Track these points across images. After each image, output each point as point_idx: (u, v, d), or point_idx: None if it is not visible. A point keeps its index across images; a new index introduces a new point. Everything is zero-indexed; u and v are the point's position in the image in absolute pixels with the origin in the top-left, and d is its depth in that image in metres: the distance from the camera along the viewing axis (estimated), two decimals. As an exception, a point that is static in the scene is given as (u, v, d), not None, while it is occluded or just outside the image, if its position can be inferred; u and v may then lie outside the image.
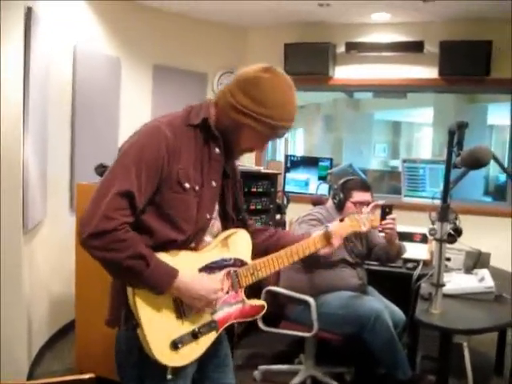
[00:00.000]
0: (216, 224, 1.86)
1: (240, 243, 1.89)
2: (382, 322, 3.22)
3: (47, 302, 4.12)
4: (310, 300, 3.33)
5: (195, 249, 1.75)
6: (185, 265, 1.68)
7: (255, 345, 4.30)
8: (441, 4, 4.55)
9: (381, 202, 3.31)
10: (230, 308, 1.84)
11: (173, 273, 1.63)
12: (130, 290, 1.63)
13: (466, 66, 4.91)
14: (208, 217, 1.77)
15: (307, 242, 1.99)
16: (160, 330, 1.65)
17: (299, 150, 10.69)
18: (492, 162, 2.51)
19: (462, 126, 2.35)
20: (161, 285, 1.61)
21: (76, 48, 4.37)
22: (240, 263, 1.85)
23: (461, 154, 2.37)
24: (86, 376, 1.68)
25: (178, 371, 1.71)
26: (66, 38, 4.28)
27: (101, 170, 3.47)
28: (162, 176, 1.65)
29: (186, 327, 1.70)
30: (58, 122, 4.22)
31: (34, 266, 3.70)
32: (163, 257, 1.65)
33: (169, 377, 1.69)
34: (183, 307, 1.69)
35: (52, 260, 4.10)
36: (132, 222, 1.61)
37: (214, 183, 1.78)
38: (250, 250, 1.91)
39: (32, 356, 3.73)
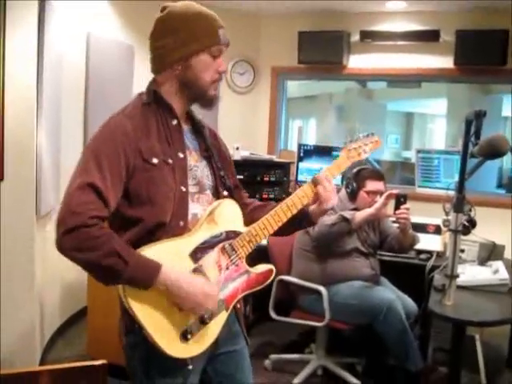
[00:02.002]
0: (205, 198, 1.77)
1: (228, 214, 1.77)
2: (394, 312, 3.21)
3: (59, 289, 4.15)
4: (322, 289, 3.32)
5: (185, 228, 1.67)
6: (173, 253, 1.61)
7: (266, 334, 4.30)
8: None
9: (395, 192, 3.28)
10: (235, 283, 1.75)
11: (155, 267, 1.54)
12: (122, 294, 1.56)
13: (481, 55, 4.83)
14: (183, 189, 1.68)
15: (302, 190, 1.85)
16: (165, 327, 1.59)
17: (311, 140, 10.66)
18: (507, 153, 2.48)
19: (479, 115, 2.32)
20: (144, 280, 1.53)
21: (89, 35, 4.36)
22: (233, 234, 1.75)
23: (479, 144, 2.33)
24: (98, 362, 1.68)
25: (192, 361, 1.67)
26: (80, 25, 4.27)
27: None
28: (128, 164, 1.59)
29: (192, 316, 1.64)
30: (72, 109, 4.22)
31: (47, 252, 3.71)
32: (148, 249, 1.58)
33: (190, 367, 1.65)
34: None
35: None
36: (105, 215, 1.54)
37: (180, 154, 1.71)
38: (240, 218, 1.81)
39: (44, 342, 3.76)
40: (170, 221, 1.64)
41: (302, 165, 5.03)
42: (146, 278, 1.53)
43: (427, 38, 5.11)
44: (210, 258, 1.69)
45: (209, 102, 1.78)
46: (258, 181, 4.58)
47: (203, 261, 1.67)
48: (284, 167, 4.72)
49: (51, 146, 3.67)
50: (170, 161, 1.66)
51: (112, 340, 3.41)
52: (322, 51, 5.25)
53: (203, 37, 1.69)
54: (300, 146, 5.09)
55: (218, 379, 1.84)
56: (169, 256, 1.59)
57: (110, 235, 1.53)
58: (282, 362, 3.76)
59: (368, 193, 3.45)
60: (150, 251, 1.57)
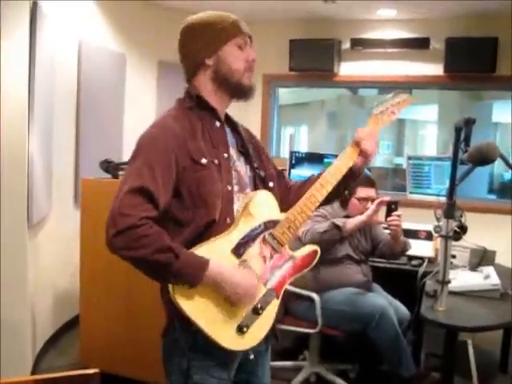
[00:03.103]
0: (241, 197, 1.80)
1: (262, 204, 1.78)
2: (386, 318, 3.23)
3: (51, 297, 4.13)
4: (315, 296, 3.33)
5: (231, 225, 1.71)
6: (217, 252, 1.65)
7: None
8: (447, 1, 4.53)
9: (387, 199, 3.29)
10: (281, 270, 1.78)
11: (204, 261, 1.59)
12: (172, 297, 1.60)
13: (471, 62, 4.90)
14: (229, 188, 1.74)
15: (336, 164, 1.84)
16: (220, 322, 1.63)
17: (303, 147, 10.69)
18: (497, 160, 2.50)
19: (469, 123, 2.34)
20: (194, 275, 1.58)
21: (81, 43, 4.36)
22: (272, 224, 1.77)
23: (468, 150, 2.36)
24: (91, 371, 1.68)
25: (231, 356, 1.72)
26: (71, 34, 4.27)
27: (106, 165, 3.48)
28: (178, 165, 1.65)
29: (245, 308, 1.68)
30: (63, 117, 4.22)
31: (39, 260, 3.70)
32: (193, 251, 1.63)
33: (251, 357, 1.73)
34: None
35: (56, 255, 4.10)
36: (154, 216, 1.59)
37: (225, 155, 1.77)
38: (275, 206, 1.82)
39: (36, 351, 3.74)
40: (218, 219, 1.69)
41: (293, 172, 5.03)
42: (195, 273, 1.58)
43: (417, 45, 5.17)
44: (253, 251, 1.72)
45: (246, 92, 1.83)
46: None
47: (247, 255, 1.71)
48: (276, 174, 4.72)
49: (43, 153, 3.67)
50: (216, 161, 1.72)
51: (104, 348, 3.44)
52: (313, 59, 5.29)
53: (224, 31, 1.79)
54: (292, 153, 5.10)
55: (241, 375, 1.85)
56: (213, 256, 1.63)
57: (160, 232, 1.58)
58: (275, 369, 3.70)
59: (359, 199, 3.47)
60: (196, 252, 1.63)
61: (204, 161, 1.69)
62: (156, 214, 1.60)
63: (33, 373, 3.51)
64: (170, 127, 1.69)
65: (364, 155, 1.86)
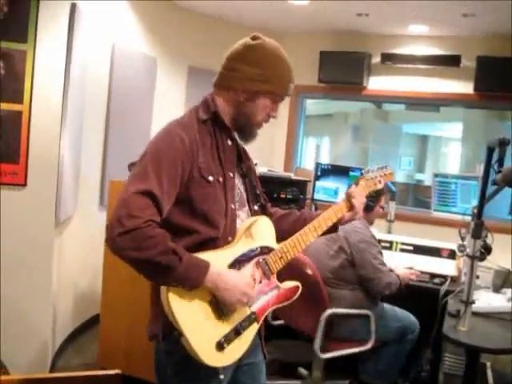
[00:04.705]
0: (243, 214, 1.87)
1: (263, 230, 1.86)
2: (416, 333, 3.41)
3: (72, 296, 4.17)
4: (370, 313, 3.32)
5: (231, 242, 1.77)
6: (214, 263, 1.67)
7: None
8: (480, 19, 4.53)
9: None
10: (266, 296, 1.83)
11: (205, 265, 1.62)
12: (165, 299, 1.62)
13: (501, 82, 4.86)
14: (233, 207, 1.79)
15: (328, 213, 1.97)
16: (203, 334, 1.65)
17: (324, 159, 10.67)
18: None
19: (503, 143, 2.33)
20: (195, 278, 1.60)
21: (114, 46, 4.43)
22: (267, 250, 1.84)
23: (502, 171, 2.34)
24: (112, 372, 1.68)
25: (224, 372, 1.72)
26: (106, 36, 4.33)
27: (133, 167, 3.50)
28: (184, 175, 1.67)
29: (228, 326, 1.70)
30: (93, 119, 4.27)
31: (62, 258, 3.74)
32: None
33: (221, 377, 1.70)
34: (221, 307, 1.69)
35: (80, 254, 4.15)
36: (158, 221, 1.61)
37: (231, 174, 1.82)
38: (273, 235, 1.89)
39: (55, 349, 3.77)
40: (221, 236, 1.73)
41: (318, 184, 5.04)
42: (197, 275, 1.61)
43: (448, 62, 5.16)
44: (246, 271, 1.77)
45: (248, 137, 1.88)
46: (274, 197, 4.59)
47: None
48: (301, 185, 4.72)
49: (73, 154, 3.72)
50: (221, 179, 1.75)
51: (123, 350, 3.46)
52: (343, 71, 5.30)
53: (276, 83, 1.80)
54: (317, 164, 5.10)
55: None
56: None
57: (164, 234, 1.60)
58: None
59: (382, 207, 3.62)
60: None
61: (211, 178, 1.73)
62: (159, 220, 1.62)
63: (51, 370, 3.55)
64: (179, 136, 1.69)
65: (352, 210, 2.00)
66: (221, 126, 1.81)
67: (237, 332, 1.72)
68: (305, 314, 3.19)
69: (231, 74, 1.80)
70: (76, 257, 4.09)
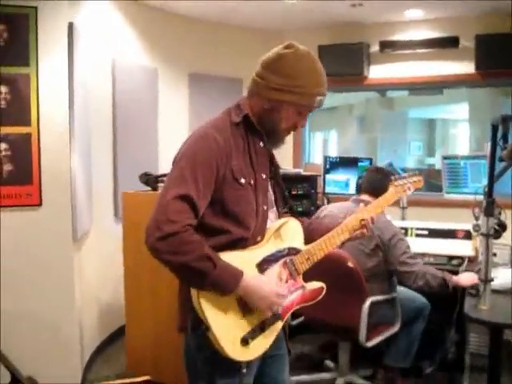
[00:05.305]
0: (273, 215, 1.92)
1: (292, 232, 1.92)
2: (428, 312, 3.47)
3: (96, 310, 4.23)
4: (395, 295, 3.39)
5: (260, 241, 1.82)
6: (243, 262, 1.73)
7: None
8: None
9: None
10: (292, 295, 1.88)
11: (239, 273, 1.68)
12: (194, 295, 1.68)
13: (502, 59, 4.85)
14: (265, 208, 1.85)
15: (351, 221, 2.01)
16: (229, 329, 1.70)
17: (333, 152, 10.66)
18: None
19: (506, 120, 2.34)
20: (228, 285, 1.66)
21: (115, 61, 4.47)
22: (294, 251, 1.89)
23: (507, 147, 2.36)
24: (142, 379, 1.74)
25: (248, 366, 1.77)
26: (105, 52, 4.38)
27: (145, 178, 3.56)
28: (218, 176, 1.72)
29: (253, 322, 1.76)
30: (100, 134, 4.33)
31: (83, 274, 3.80)
32: (223, 255, 1.69)
33: (244, 371, 1.75)
34: (247, 305, 1.74)
35: (99, 268, 4.20)
36: (195, 224, 1.67)
37: (263, 175, 1.86)
38: (302, 237, 1.95)
39: (84, 362, 3.83)
40: (252, 235, 1.79)
41: (328, 177, 5.06)
42: (230, 283, 1.67)
43: (447, 44, 5.15)
44: (273, 270, 1.83)
45: (275, 143, 1.91)
46: (283, 189, 4.64)
47: (267, 272, 1.81)
48: (311, 180, 4.76)
49: (84, 170, 3.77)
50: (252, 182, 1.80)
51: (151, 357, 3.51)
52: (343, 63, 5.30)
53: (303, 96, 1.80)
54: (326, 158, 5.13)
55: (262, 379, 1.96)
56: (239, 264, 1.71)
57: (200, 240, 1.66)
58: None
59: None
60: (224, 257, 1.69)
61: (243, 181, 1.77)
62: (196, 223, 1.68)
63: (82, 383, 3.60)
64: (214, 138, 1.73)
65: (363, 229, 2.02)
66: (252, 129, 1.84)
67: (261, 329, 1.78)
68: (346, 305, 3.22)
69: (259, 82, 1.82)
70: (96, 270, 4.14)
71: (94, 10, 4.11)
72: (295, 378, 3.60)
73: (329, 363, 3.84)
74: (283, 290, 1.81)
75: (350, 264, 3.09)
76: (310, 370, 3.79)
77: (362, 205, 2.13)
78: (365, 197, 3.44)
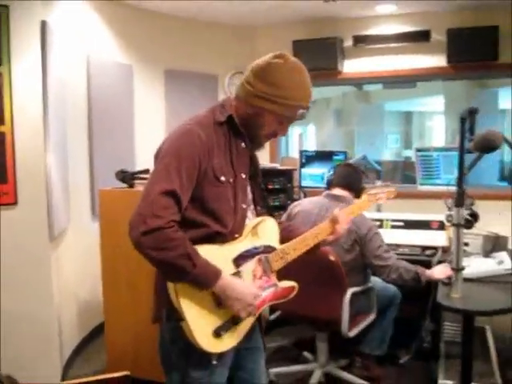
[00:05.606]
0: (250, 212, 1.97)
1: (268, 230, 1.98)
2: (399, 300, 3.58)
3: (75, 307, 4.22)
4: (373, 286, 3.47)
5: (237, 238, 1.87)
6: (220, 256, 1.78)
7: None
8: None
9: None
10: (265, 292, 1.92)
11: (216, 272, 1.72)
12: (171, 285, 1.72)
13: (473, 52, 4.93)
14: (244, 206, 1.90)
15: (325, 225, 2.10)
16: (202, 321, 1.74)
17: (311, 146, 10.73)
18: (506, 148, 2.56)
19: (472, 112, 2.41)
20: (206, 283, 1.71)
21: (89, 58, 4.46)
22: (270, 249, 1.95)
23: (473, 139, 2.42)
24: (121, 374, 1.75)
25: (220, 358, 1.81)
26: (79, 49, 4.36)
27: (121, 175, 3.56)
28: (200, 172, 1.76)
29: (226, 315, 1.80)
30: (76, 131, 4.31)
31: (61, 271, 3.79)
32: (200, 248, 1.73)
33: (214, 362, 1.79)
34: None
35: (78, 265, 4.19)
36: (179, 219, 1.71)
37: (243, 175, 1.91)
38: (277, 236, 2.01)
39: (64, 360, 3.83)
40: (229, 232, 1.83)
41: (304, 171, 5.11)
42: (207, 281, 1.72)
43: (419, 38, 5.22)
44: (249, 266, 1.88)
45: (255, 146, 1.96)
46: (262, 189, 4.68)
47: (243, 267, 1.86)
48: (287, 174, 4.80)
49: (60, 168, 3.76)
50: (231, 180, 1.84)
51: (130, 353, 3.52)
52: (317, 58, 5.33)
53: (285, 107, 1.84)
54: (301, 152, 5.18)
55: (238, 372, 2.02)
56: (215, 258, 1.76)
57: (183, 238, 1.69)
58: (282, 375, 3.68)
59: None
60: (202, 250, 1.73)
61: (223, 178, 1.81)
62: (179, 218, 1.72)
63: (62, 380, 3.60)
64: (197, 134, 1.77)
65: (335, 235, 2.11)
66: (236, 129, 1.88)
67: (234, 322, 1.81)
68: (328, 298, 3.26)
69: (246, 87, 1.85)
70: (74, 268, 4.14)
71: (68, 9, 4.09)
72: (274, 370, 3.64)
73: (307, 355, 3.89)
74: (258, 290, 1.85)
75: (332, 257, 3.13)
76: (288, 362, 3.84)
77: (337, 209, 2.16)
78: (337, 191, 3.48)
